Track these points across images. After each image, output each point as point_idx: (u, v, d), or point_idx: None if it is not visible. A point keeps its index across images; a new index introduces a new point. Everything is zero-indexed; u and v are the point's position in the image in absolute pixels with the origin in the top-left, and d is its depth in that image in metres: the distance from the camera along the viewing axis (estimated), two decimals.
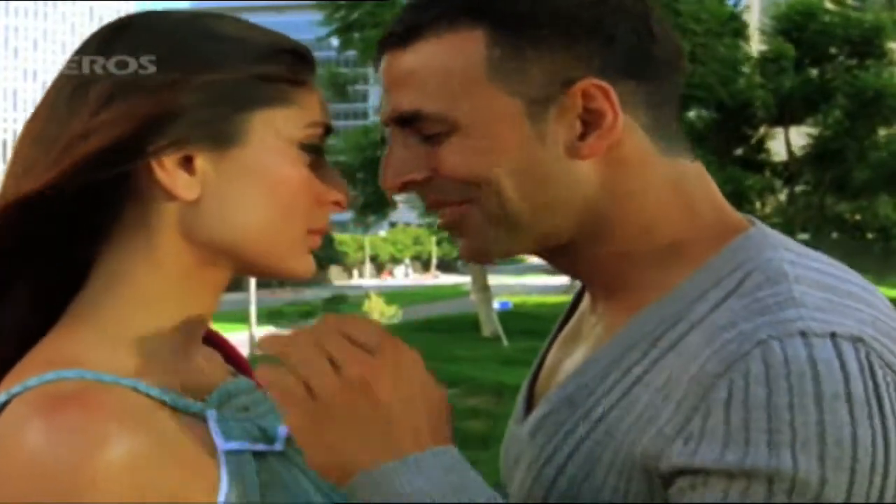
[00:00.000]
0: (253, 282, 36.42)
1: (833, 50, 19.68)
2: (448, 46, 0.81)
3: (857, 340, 0.71)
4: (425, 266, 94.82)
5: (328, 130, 0.86)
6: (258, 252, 0.84)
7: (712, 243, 0.83)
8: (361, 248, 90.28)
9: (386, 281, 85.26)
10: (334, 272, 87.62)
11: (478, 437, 11.41)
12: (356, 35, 21.86)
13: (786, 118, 20.26)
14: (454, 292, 68.17)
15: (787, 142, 20.84)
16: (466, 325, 22.97)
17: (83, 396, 0.73)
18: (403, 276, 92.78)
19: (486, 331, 21.72)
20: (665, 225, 0.84)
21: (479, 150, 0.82)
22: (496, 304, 33.37)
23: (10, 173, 0.79)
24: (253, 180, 0.81)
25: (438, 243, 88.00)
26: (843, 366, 0.69)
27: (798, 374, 0.69)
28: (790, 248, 0.82)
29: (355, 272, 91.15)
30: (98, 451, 0.70)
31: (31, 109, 0.82)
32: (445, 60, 0.81)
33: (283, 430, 0.86)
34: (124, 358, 0.79)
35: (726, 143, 20.63)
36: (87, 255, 0.83)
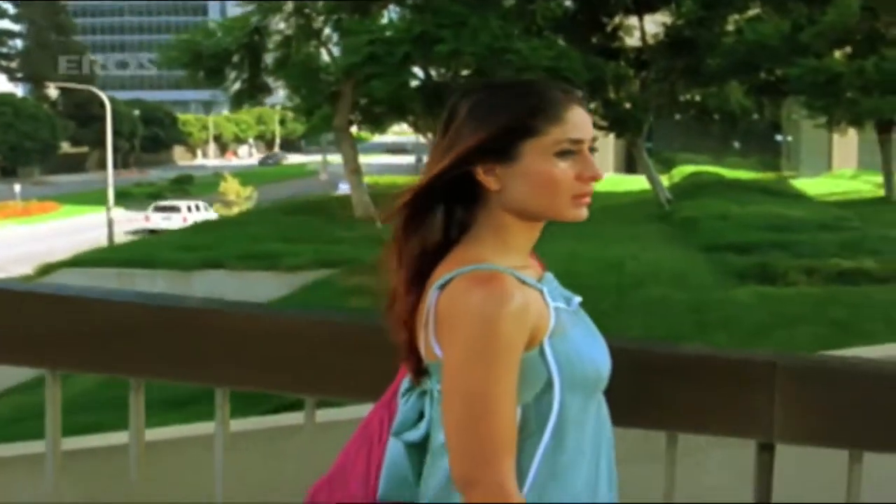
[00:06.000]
0: (109, 163, 35.46)
1: None
2: None
3: None
4: (269, 146, 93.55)
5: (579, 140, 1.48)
6: (543, 215, 1.49)
7: None
8: (205, 127, 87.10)
9: (230, 161, 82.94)
10: (178, 152, 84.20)
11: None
12: None
13: (641, 7, 21.01)
14: (300, 172, 67.59)
15: (642, 30, 21.61)
16: (333, 207, 23.08)
17: (495, 276, 1.41)
18: (248, 155, 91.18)
19: (359, 211, 22.13)
20: None
21: None
22: (343, 187, 33.30)
23: (428, 164, 1.52)
24: (527, 180, 1.46)
25: (282, 122, 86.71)
26: None
27: None
28: None
29: (199, 152, 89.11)
30: (507, 304, 1.38)
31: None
32: None
33: (576, 299, 1.53)
34: (504, 259, 1.46)
35: (583, 31, 21.25)
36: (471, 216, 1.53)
